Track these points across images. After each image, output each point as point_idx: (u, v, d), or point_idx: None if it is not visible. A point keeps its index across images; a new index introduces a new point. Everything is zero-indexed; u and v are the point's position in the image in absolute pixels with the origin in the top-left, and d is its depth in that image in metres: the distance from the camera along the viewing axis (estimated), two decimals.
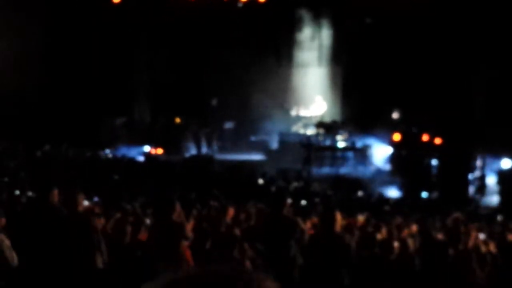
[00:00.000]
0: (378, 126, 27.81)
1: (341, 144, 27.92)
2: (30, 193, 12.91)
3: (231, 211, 9.12)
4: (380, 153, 27.61)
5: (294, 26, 31.21)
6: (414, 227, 13.18)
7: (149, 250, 8.12)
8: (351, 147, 28.01)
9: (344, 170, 27.02)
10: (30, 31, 25.05)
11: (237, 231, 8.15)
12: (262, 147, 30.35)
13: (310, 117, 29.71)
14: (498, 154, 24.94)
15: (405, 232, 12.11)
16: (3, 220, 7.29)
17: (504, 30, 25.70)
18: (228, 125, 31.79)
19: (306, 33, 31.24)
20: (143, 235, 9.01)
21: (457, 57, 26.73)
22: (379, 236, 9.87)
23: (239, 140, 31.77)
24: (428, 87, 27.23)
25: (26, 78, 24.89)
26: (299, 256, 7.85)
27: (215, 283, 1.45)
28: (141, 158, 27.38)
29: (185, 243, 7.87)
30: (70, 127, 26.69)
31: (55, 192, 7.85)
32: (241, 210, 10.21)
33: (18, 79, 24.50)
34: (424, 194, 24.91)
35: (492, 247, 10.66)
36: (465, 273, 7.85)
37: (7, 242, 6.88)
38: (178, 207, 8.04)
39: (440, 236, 10.58)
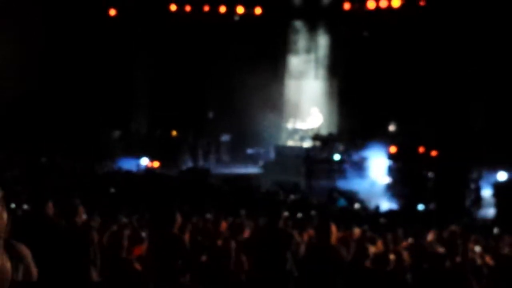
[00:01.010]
0: (374, 139, 27.81)
1: (337, 156, 27.92)
2: (26, 206, 12.87)
3: (223, 224, 9.12)
4: (377, 165, 27.60)
5: (290, 38, 31.27)
6: (410, 240, 13.18)
7: (147, 264, 8.10)
8: (347, 160, 27.99)
9: (340, 182, 27.00)
10: (27, 44, 25.08)
11: (233, 244, 8.14)
12: (258, 159, 30.35)
13: (307, 130, 29.71)
14: (494, 166, 24.94)
15: (401, 244, 12.11)
16: None
17: (502, 43, 25.75)
18: (225, 137, 31.79)
19: (302, 45, 31.29)
20: (139, 249, 8.99)
21: (454, 69, 26.77)
22: (375, 249, 9.86)
23: (235, 153, 31.79)
24: (424, 99, 27.29)
25: (23, 89, 24.90)
26: (294, 269, 7.85)
27: None
28: (138, 171, 27.35)
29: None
30: (67, 139, 26.69)
31: (51, 204, 7.83)
32: (237, 222, 10.21)
33: (15, 90, 24.51)
34: (421, 207, 24.90)
35: (488, 260, 10.65)
36: (461, 286, 7.84)
37: (30, 255, 6.83)
38: (179, 219, 8.02)
39: (436, 248, 10.57)
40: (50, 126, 26.99)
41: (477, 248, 11.92)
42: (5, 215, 2.38)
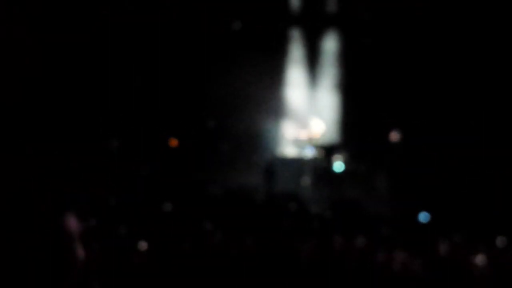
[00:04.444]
0: (378, 148, 27.75)
1: (339, 166, 27.83)
2: None
3: (220, 236, 9.07)
4: (379, 175, 27.53)
5: (291, 47, 31.18)
6: (415, 249, 13.05)
7: (145, 276, 8.02)
8: (349, 169, 27.90)
9: (343, 192, 26.88)
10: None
11: (232, 254, 8.05)
12: (259, 169, 30.19)
13: (309, 139, 29.60)
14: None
15: (406, 254, 11.98)
16: None
17: (505, 55, 25.61)
18: (225, 146, 31.66)
19: (304, 54, 31.20)
20: (138, 260, 8.89)
21: (457, 80, 26.64)
22: (379, 259, 9.75)
23: (235, 162, 31.61)
24: (429, 109, 27.15)
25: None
26: (295, 280, 7.74)
27: None
28: (137, 180, 27.21)
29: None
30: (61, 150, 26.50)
31: None
32: (238, 233, 10.11)
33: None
34: (425, 216, 24.80)
35: (490, 269, 10.54)
36: None
37: None
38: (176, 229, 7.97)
39: (439, 257, 10.46)
40: (47, 134, 26.86)
41: (480, 258, 11.80)
42: (81, 253, 1.94)
